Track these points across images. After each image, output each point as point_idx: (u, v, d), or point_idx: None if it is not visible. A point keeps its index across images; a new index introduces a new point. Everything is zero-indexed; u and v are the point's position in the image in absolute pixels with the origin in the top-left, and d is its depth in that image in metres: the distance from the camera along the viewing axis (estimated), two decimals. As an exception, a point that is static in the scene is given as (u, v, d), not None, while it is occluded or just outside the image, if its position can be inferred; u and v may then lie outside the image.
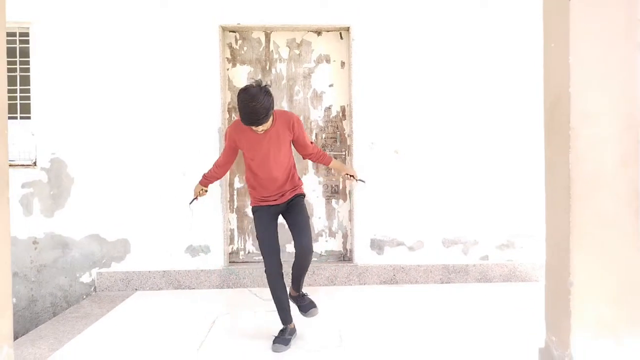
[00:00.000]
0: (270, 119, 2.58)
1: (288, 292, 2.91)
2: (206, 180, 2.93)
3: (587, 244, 2.15)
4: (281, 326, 2.88)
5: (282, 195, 2.83)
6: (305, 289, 3.16)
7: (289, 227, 2.89)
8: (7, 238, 2.32)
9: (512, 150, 4.22)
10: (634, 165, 2.17)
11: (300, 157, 3.00)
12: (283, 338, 2.80)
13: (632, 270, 2.16)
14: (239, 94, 2.48)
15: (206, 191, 2.99)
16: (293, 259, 2.82)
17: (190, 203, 3.08)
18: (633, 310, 2.14)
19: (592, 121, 2.15)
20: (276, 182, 2.78)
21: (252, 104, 2.40)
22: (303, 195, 2.93)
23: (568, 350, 2.17)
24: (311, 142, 2.92)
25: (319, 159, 2.97)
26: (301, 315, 2.98)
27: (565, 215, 2.19)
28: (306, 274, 2.95)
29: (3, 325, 2.25)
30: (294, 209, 2.85)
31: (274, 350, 2.74)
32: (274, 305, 2.87)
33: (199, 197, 3.00)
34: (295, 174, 2.89)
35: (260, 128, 2.57)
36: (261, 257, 4.24)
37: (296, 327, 2.96)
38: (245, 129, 2.66)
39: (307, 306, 2.96)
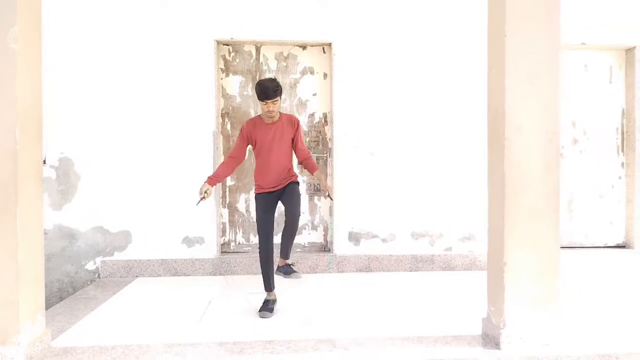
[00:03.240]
0: (278, 103, 3.28)
1: (277, 265, 3.47)
2: (214, 179, 3.31)
3: (517, 233, 2.69)
4: (266, 301, 3.43)
5: (280, 183, 3.43)
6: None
7: (282, 203, 3.42)
8: (40, 226, 2.77)
9: (475, 155, 4.75)
10: (555, 170, 2.71)
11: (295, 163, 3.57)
12: (267, 307, 3.36)
13: (551, 254, 2.69)
14: (257, 83, 3.29)
15: (211, 192, 3.26)
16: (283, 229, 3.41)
17: (197, 203, 3.39)
18: (551, 285, 2.68)
19: (522, 133, 2.68)
20: (276, 171, 3.39)
21: (265, 82, 3.24)
22: (297, 183, 3.52)
23: (502, 317, 2.70)
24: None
25: (310, 164, 3.54)
26: (284, 280, 3.50)
27: (500, 210, 2.72)
28: (293, 243, 3.49)
29: (39, 298, 2.71)
30: (288, 190, 3.44)
31: (261, 317, 3.30)
32: (262, 281, 3.44)
33: (206, 197, 3.21)
34: (292, 169, 3.51)
35: (271, 107, 3.24)
36: (249, 248, 4.76)
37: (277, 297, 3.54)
38: (257, 122, 3.40)
39: (290, 270, 3.50)
